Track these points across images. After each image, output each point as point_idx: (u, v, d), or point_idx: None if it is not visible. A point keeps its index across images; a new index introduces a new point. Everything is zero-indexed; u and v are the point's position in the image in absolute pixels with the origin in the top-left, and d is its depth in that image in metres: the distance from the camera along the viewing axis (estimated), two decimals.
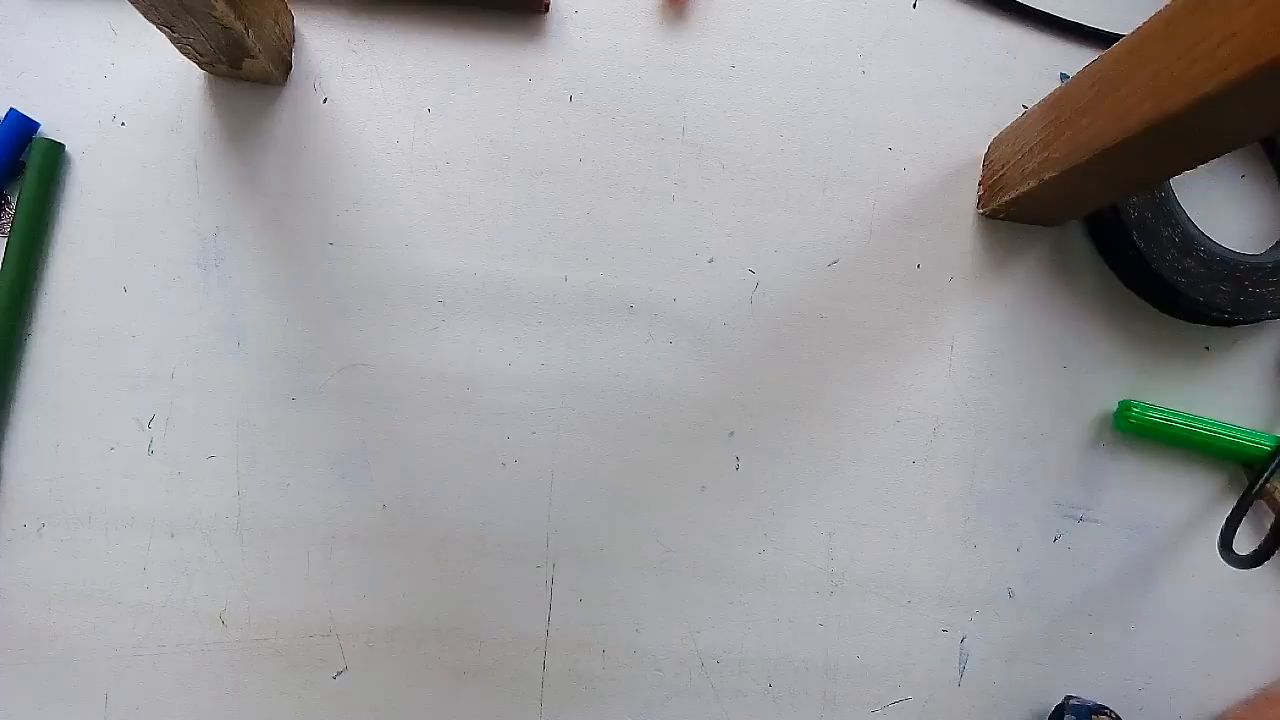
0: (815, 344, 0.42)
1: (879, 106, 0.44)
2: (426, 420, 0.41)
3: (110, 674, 0.40)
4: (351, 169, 0.43)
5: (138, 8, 0.35)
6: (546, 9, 0.43)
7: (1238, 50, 0.25)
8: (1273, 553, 0.37)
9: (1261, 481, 0.40)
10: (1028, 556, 0.42)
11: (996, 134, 0.43)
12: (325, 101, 0.43)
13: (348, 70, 0.43)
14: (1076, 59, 0.44)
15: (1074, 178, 0.35)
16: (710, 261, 0.43)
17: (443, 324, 0.42)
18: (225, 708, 0.40)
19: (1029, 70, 0.44)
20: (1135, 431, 0.42)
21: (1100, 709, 0.39)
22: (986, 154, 0.44)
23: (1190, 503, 0.43)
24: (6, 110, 0.41)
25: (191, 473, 0.41)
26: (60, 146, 0.42)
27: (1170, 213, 0.41)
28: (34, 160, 0.41)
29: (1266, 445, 0.41)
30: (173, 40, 0.39)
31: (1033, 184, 0.38)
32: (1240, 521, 0.40)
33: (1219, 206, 0.44)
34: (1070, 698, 0.40)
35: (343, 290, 0.42)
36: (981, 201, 0.43)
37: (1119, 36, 0.37)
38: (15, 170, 0.42)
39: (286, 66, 0.43)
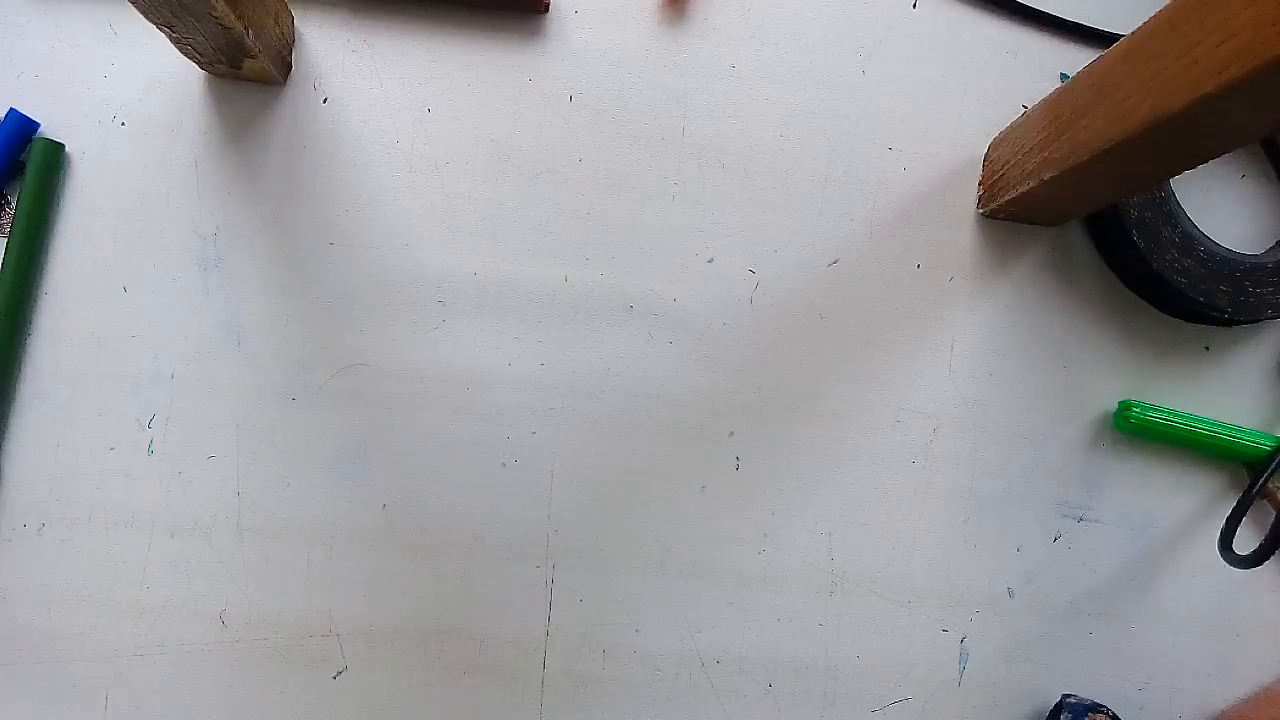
0: (815, 344, 0.42)
1: (879, 106, 0.44)
2: (427, 420, 0.41)
3: (110, 674, 0.40)
4: (352, 169, 0.43)
5: (138, 8, 0.35)
6: (546, 9, 0.43)
7: (1238, 50, 0.25)
8: (1273, 553, 0.37)
9: (1262, 481, 0.40)
10: (1028, 556, 0.42)
11: (996, 134, 0.43)
12: (325, 101, 0.43)
13: (348, 70, 0.43)
14: (1076, 59, 0.44)
15: (1074, 178, 0.35)
16: (710, 261, 0.43)
17: (443, 324, 0.42)
18: (225, 708, 0.40)
19: (1029, 70, 0.44)
20: (1135, 431, 0.42)
21: (1097, 707, 0.39)
22: (986, 154, 0.44)
23: (1190, 503, 0.43)
24: (6, 110, 0.41)
25: (191, 473, 0.41)
26: (60, 146, 0.42)
27: (1170, 213, 0.41)
28: (34, 160, 0.41)
29: (1266, 445, 0.41)
30: (173, 40, 0.39)
31: (1033, 184, 0.38)
32: (1240, 521, 0.40)
33: (1219, 206, 0.44)
34: (1067, 696, 0.40)
35: (343, 290, 0.42)
36: (981, 201, 0.43)
37: (1119, 36, 0.37)
38: (15, 170, 0.42)
39: (286, 66, 0.43)
